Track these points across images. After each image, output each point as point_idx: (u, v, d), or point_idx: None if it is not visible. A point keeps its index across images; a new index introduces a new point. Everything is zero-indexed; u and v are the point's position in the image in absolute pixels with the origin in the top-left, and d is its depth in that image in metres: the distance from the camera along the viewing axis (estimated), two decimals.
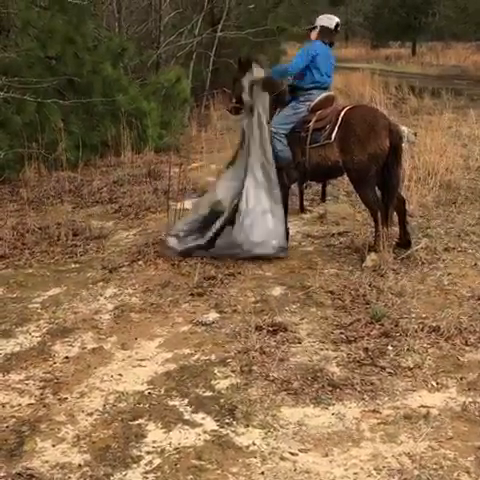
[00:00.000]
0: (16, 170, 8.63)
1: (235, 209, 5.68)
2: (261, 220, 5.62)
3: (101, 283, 5.31)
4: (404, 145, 9.26)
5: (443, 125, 9.56)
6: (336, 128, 5.50)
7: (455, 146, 8.84)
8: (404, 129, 10.17)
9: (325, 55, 5.84)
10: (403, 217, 5.70)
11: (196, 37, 14.06)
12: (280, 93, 5.96)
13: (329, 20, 5.94)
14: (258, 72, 5.85)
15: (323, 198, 6.13)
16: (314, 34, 5.92)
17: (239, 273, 5.38)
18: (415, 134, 10.01)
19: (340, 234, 6.22)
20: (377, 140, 5.38)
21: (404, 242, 5.68)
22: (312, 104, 5.76)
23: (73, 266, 5.73)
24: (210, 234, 5.69)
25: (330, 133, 5.53)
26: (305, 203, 7.25)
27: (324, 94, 5.84)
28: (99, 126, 9.86)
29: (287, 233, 5.94)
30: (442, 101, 11.89)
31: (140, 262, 5.68)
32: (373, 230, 5.67)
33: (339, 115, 5.54)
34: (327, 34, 5.91)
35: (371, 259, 5.39)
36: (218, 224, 5.70)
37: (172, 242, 5.79)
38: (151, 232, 6.52)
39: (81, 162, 8.79)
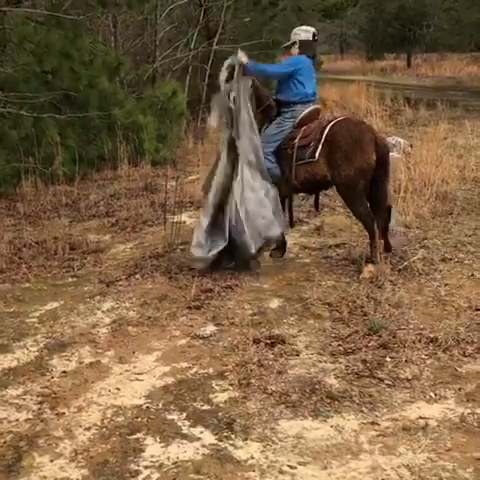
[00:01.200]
0: (13, 184, 8.64)
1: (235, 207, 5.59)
2: (260, 207, 5.58)
3: (98, 297, 5.30)
4: (398, 156, 9.34)
5: (439, 136, 9.59)
6: (320, 146, 5.47)
7: (451, 157, 8.87)
8: (400, 140, 10.25)
9: (309, 69, 5.81)
10: (385, 225, 5.69)
11: (192, 51, 14.11)
12: (266, 107, 5.86)
13: (306, 33, 5.89)
14: (242, 56, 5.64)
15: (316, 207, 6.14)
16: (295, 50, 5.87)
17: (236, 285, 5.38)
18: (411, 145, 10.06)
19: (337, 246, 6.22)
20: (364, 155, 5.37)
21: (384, 249, 5.66)
22: (297, 120, 5.72)
23: (70, 280, 5.73)
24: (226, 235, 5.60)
25: (314, 151, 5.51)
26: (302, 215, 7.27)
27: (309, 109, 5.78)
28: (96, 140, 9.89)
29: (285, 244, 5.96)
30: (437, 112, 11.95)
31: (137, 276, 5.68)
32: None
33: (323, 132, 5.50)
34: (308, 47, 5.88)
35: (368, 271, 5.40)
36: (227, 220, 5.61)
37: (198, 253, 5.65)
38: (148, 245, 6.53)
39: (78, 176, 8.81)
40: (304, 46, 5.85)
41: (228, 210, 5.57)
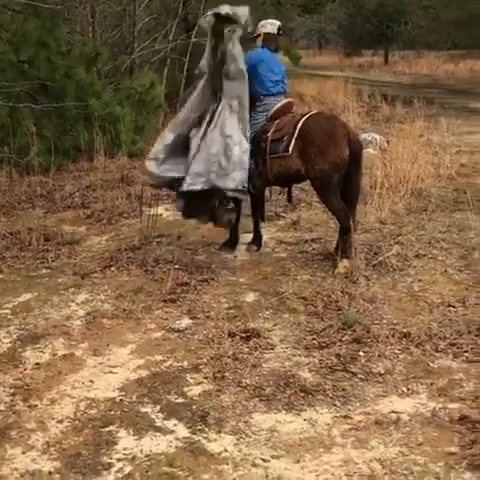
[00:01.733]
0: None
1: (202, 136, 5.54)
2: (228, 150, 5.49)
3: (73, 289, 5.27)
4: (375, 152, 9.39)
5: (415, 133, 9.64)
6: (293, 140, 5.48)
7: (426, 154, 8.93)
8: (376, 137, 10.31)
9: (272, 61, 5.85)
10: (354, 227, 5.71)
11: (170, 43, 14.05)
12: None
13: (272, 26, 5.94)
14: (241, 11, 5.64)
15: (289, 200, 6.17)
16: (259, 42, 5.95)
17: (212, 279, 5.38)
18: (387, 142, 10.12)
19: (313, 240, 6.24)
20: (337, 150, 5.39)
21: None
22: (270, 113, 5.74)
23: (44, 272, 5.69)
24: (184, 167, 5.52)
25: (287, 145, 5.51)
26: (278, 210, 7.29)
27: (281, 102, 5.82)
28: (72, 131, 9.81)
29: (260, 238, 5.98)
30: (414, 109, 12.00)
31: (112, 268, 5.66)
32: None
33: (296, 126, 5.51)
34: (272, 40, 5.93)
35: (343, 266, 5.42)
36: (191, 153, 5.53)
37: (151, 166, 5.65)
38: (124, 238, 6.50)
39: (53, 167, 8.74)
40: (268, 39, 5.92)
41: (192, 143, 5.53)
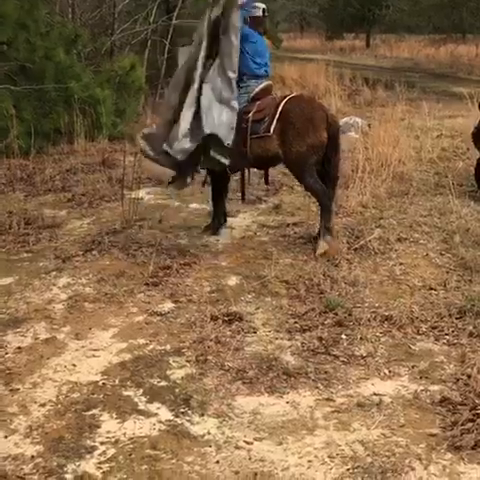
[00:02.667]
0: None
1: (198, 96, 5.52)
2: (219, 108, 5.51)
3: (54, 273, 5.24)
4: (356, 136, 9.40)
5: (396, 117, 9.68)
6: (274, 121, 5.54)
7: (408, 138, 8.96)
8: (358, 120, 10.31)
9: (259, 44, 5.89)
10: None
11: (151, 25, 13.94)
12: None
13: (256, 9, 5.95)
14: None
15: (266, 182, 6.21)
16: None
17: (194, 263, 5.37)
18: (369, 125, 10.13)
19: (295, 224, 6.25)
20: (316, 132, 5.47)
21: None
22: (251, 94, 5.78)
23: (25, 255, 5.64)
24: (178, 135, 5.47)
25: (269, 126, 5.56)
26: (260, 193, 7.28)
27: (263, 84, 5.87)
28: (52, 113, 9.69)
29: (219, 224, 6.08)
30: (395, 93, 12.02)
31: (94, 252, 5.62)
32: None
33: (278, 107, 5.57)
34: (258, 23, 5.96)
35: (322, 246, 5.47)
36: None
37: (142, 144, 5.71)
38: (105, 221, 6.46)
39: (33, 150, 8.64)
40: (254, 22, 5.92)
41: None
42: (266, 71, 5.93)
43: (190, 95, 5.50)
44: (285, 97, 5.74)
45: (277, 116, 5.53)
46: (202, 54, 5.57)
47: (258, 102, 5.72)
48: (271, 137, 5.55)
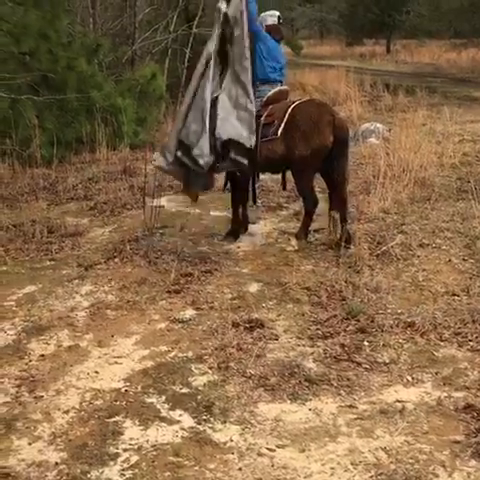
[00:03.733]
0: None
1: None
2: (237, 114, 5.57)
3: (77, 280, 5.28)
4: (377, 142, 9.37)
5: (417, 122, 9.63)
6: (283, 124, 5.64)
7: (429, 143, 8.90)
8: (379, 126, 10.28)
9: (275, 49, 5.97)
10: (343, 216, 5.78)
11: (171, 34, 14.02)
12: None
13: (272, 17, 6.09)
14: None
15: (284, 187, 6.25)
16: None
17: (216, 270, 5.38)
18: (389, 130, 10.09)
19: (316, 231, 6.23)
20: (320, 136, 5.54)
21: (344, 240, 5.65)
22: (264, 98, 5.88)
23: (48, 263, 5.69)
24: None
25: (277, 128, 5.67)
26: (281, 200, 7.29)
27: (277, 89, 5.96)
28: (74, 122, 9.78)
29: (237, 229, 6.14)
30: (416, 98, 11.99)
31: (116, 259, 5.66)
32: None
33: (287, 111, 5.67)
34: (275, 31, 6.05)
35: (291, 244, 5.75)
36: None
37: (158, 160, 5.83)
38: (127, 229, 6.50)
39: (55, 159, 8.72)
40: (272, 31, 6.01)
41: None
42: (280, 76, 6.03)
43: (201, 108, 5.53)
44: (295, 101, 5.85)
45: (285, 119, 5.64)
46: (212, 70, 5.61)
47: (271, 106, 5.83)
48: (278, 140, 5.67)
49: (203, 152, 5.43)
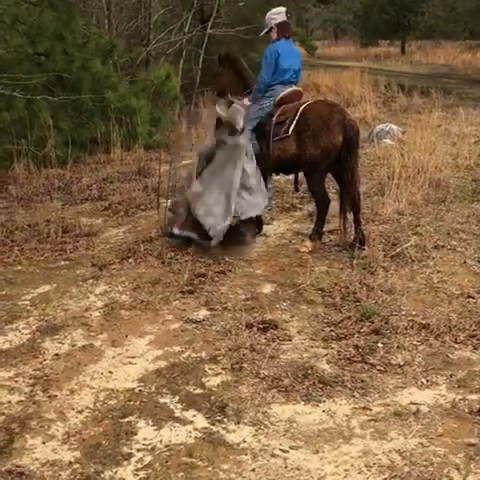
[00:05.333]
0: (5, 167, 8.61)
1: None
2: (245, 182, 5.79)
3: (91, 280, 5.29)
4: (392, 143, 9.33)
5: (432, 123, 9.58)
6: (294, 122, 5.68)
7: (444, 145, 8.87)
8: (393, 127, 10.24)
9: (288, 52, 6.00)
10: (356, 217, 5.77)
11: (186, 34, 14.05)
12: (252, 90, 6.09)
13: (280, 15, 6.05)
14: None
15: (296, 188, 6.26)
16: (274, 34, 6.04)
17: (229, 271, 5.38)
18: (403, 132, 10.05)
19: (330, 232, 6.22)
20: (329, 135, 5.56)
21: (358, 241, 5.66)
22: (277, 98, 5.93)
23: (63, 263, 5.71)
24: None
25: (288, 127, 5.72)
26: (295, 201, 7.28)
27: (290, 89, 6.00)
28: (88, 123, 9.83)
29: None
30: (431, 99, 11.92)
31: (130, 259, 5.67)
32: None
33: (298, 110, 5.71)
34: (285, 28, 6.05)
35: (305, 245, 5.75)
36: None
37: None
38: (141, 230, 6.51)
39: (70, 159, 8.77)
40: (282, 28, 6.03)
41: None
42: (293, 77, 6.05)
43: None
44: (307, 101, 5.89)
45: (296, 118, 5.68)
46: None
47: (283, 106, 5.87)
48: (289, 138, 5.71)
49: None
